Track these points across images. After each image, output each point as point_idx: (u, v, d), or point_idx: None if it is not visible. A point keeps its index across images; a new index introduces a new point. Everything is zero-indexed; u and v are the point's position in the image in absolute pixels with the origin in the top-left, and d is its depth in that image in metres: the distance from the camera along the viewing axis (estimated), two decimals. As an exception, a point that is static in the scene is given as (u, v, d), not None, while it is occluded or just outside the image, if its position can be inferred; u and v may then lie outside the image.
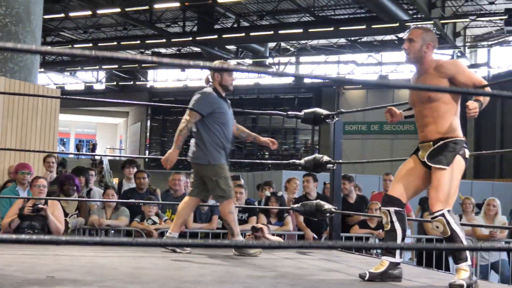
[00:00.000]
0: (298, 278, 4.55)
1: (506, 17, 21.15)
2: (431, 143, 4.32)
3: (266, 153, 32.53)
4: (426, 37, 4.38)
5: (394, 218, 4.36)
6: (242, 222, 7.81)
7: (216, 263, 5.27)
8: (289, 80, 32.03)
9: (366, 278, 4.31)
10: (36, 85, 10.88)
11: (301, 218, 8.02)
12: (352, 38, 27.98)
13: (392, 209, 4.37)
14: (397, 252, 4.41)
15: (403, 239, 4.38)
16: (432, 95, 4.28)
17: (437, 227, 4.17)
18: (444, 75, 4.27)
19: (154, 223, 7.74)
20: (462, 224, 7.55)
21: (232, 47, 29.32)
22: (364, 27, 23.38)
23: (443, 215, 4.14)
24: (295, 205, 7.07)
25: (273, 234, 7.54)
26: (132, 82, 36.84)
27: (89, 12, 23.82)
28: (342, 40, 28.92)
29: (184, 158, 6.16)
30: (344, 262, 5.52)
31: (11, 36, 10.32)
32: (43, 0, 11.26)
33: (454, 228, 4.15)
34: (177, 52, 32.62)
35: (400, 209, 4.38)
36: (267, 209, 8.11)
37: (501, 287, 5.46)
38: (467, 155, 4.30)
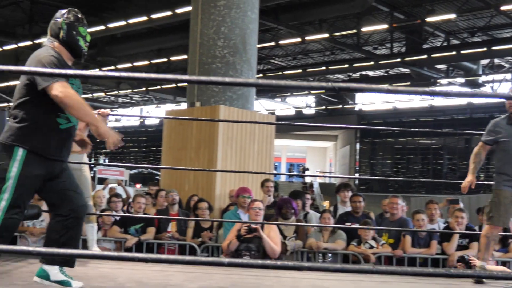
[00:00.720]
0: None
1: None
2: None
3: (481, 175, 31.11)
4: None
5: None
6: (462, 248, 7.61)
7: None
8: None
9: None
10: (253, 112, 11.33)
11: (529, 244, 7.53)
12: None
13: None
14: None
15: None
16: None
17: None
18: None
19: (371, 247, 7.67)
20: None
21: (442, 67, 28.51)
22: None
23: None
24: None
25: (496, 262, 7.15)
26: (340, 106, 37.14)
27: (298, 39, 24.40)
28: None
29: (392, 178, 6.21)
30: None
31: (229, 66, 10.84)
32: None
33: None
34: (385, 74, 32.38)
35: None
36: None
37: None
38: None
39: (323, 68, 28.79)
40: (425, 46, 26.09)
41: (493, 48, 23.86)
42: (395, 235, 7.91)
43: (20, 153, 4.06)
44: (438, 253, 7.70)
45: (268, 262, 1.85)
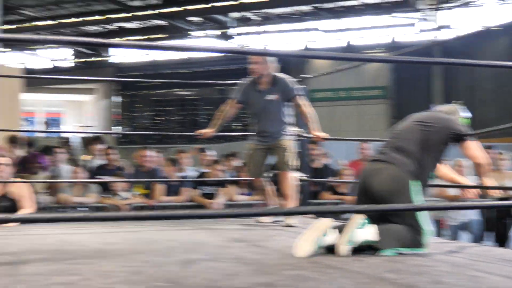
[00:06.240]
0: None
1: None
2: None
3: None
4: None
5: None
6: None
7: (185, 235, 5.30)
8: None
9: None
10: (-3, 65, 10.75)
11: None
12: (317, 5, 27.77)
13: None
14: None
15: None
16: None
17: None
18: None
19: (125, 198, 7.74)
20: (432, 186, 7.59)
21: (196, 19, 28.91)
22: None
23: None
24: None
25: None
26: (98, 58, 36.18)
27: (49, -12, 23.39)
28: (305, 7, 28.66)
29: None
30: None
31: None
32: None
33: None
34: (142, 26, 32.15)
35: None
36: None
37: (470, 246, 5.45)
38: None
39: (78, 19, 27.95)
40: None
41: (243, 1, 24.74)
42: (148, 185, 8.05)
43: None
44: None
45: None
